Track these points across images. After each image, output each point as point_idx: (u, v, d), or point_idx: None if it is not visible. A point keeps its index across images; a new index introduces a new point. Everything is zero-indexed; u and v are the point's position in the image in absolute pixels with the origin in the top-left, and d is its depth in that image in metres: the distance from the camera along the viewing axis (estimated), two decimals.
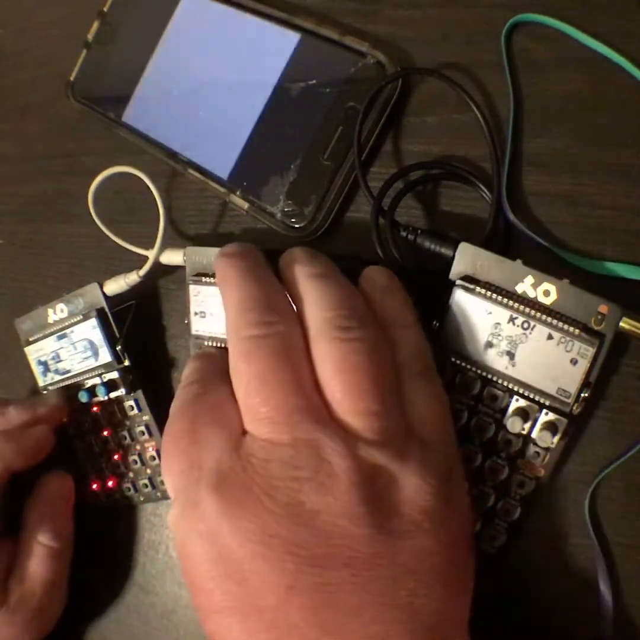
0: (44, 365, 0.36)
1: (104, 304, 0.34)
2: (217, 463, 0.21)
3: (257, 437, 0.21)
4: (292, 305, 0.23)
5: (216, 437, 0.22)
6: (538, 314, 0.25)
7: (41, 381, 0.36)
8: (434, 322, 0.27)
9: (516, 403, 0.26)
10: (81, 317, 0.34)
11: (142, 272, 0.33)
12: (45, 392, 0.36)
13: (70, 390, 0.35)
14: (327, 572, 0.19)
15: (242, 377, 0.22)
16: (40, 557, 0.32)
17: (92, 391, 0.34)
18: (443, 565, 0.20)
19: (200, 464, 0.22)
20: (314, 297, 0.23)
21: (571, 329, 0.24)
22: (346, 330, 0.21)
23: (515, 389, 0.26)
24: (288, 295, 0.24)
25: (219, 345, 0.30)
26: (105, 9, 0.40)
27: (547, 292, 0.25)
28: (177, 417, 0.24)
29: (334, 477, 0.19)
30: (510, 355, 0.25)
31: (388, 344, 0.23)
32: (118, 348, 0.33)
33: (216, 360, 0.26)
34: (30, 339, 0.36)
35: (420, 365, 0.23)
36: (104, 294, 0.34)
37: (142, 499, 0.36)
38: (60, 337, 0.34)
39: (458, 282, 0.26)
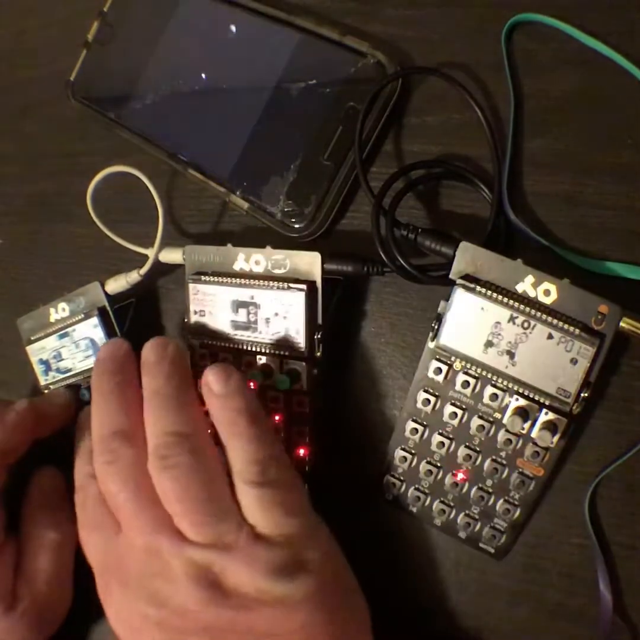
0: (46, 364, 0.36)
1: (105, 302, 0.34)
2: (102, 556, 0.28)
3: (124, 538, 0.27)
4: (135, 426, 0.28)
5: (99, 537, 0.28)
6: (538, 314, 0.25)
7: (42, 380, 0.36)
8: (433, 323, 0.27)
9: (516, 402, 0.26)
10: (83, 316, 0.34)
11: (143, 270, 0.33)
12: (46, 391, 0.36)
13: (71, 389, 0.35)
14: (189, 637, 0.24)
15: (108, 494, 0.27)
16: (41, 550, 0.32)
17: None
18: (307, 621, 0.24)
19: (92, 557, 0.28)
20: (149, 421, 0.27)
21: (571, 328, 0.24)
22: (167, 458, 0.26)
23: (515, 388, 0.26)
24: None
25: (218, 344, 0.30)
26: (105, 9, 0.40)
27: (547, 291, 0.25)
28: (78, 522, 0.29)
29: (175, 572, 0.25)
30: (510, 354, 0.25)
31: (220, 451, 0.27)
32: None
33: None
34: (32, 338, 0.36)
35: (250, 473, 0.25)
36: (105, 292, 0.34)
37: None
38: (62, 336, 0.34)
39: (458, 281, 0.26)
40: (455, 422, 0.27)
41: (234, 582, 0.24)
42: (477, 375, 0.26)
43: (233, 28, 0.35)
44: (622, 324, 0.25)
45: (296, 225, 0.32)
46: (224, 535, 0.25)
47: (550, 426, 0.25)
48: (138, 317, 0.35)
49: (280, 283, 0.29)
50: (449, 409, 0.27)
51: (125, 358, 0.30)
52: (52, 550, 0.32)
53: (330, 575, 0.26)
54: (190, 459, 0.26)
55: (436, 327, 0.27)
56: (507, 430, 0.26)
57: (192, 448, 0.26)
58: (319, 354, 0.29)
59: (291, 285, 0.28)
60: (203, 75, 0.36)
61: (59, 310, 0.35)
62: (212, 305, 0.30)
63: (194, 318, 0.31)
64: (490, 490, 0.27)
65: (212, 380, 0.27)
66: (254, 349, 0.30)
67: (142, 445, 0.27)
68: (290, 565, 0.24)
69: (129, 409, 0.28)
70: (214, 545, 0.25)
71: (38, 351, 0.36)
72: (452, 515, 0.28)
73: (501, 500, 0.27)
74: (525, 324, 0.25)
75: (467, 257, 0.26)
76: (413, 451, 0.28)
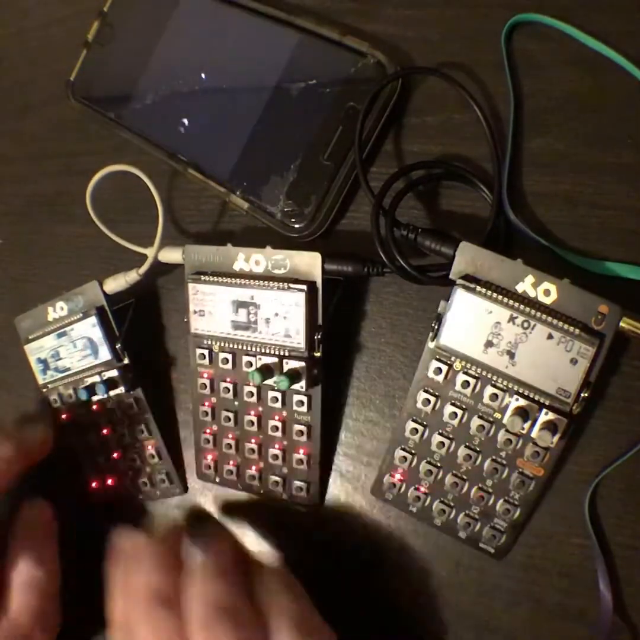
0: (44, 363, 0.35)
1: (103, 302, 0.34)
2: None
3: None
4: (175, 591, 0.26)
5: None
6: (538, 314, 0.25)
7: (41, 379, 0.36)
8: (433, 323, 0.27)
9: (516, 402, 0.26)
10: (81, 315, 0.34)
11: (142, 270, 0.33)
12: (44, 390, 0.36)
13: (69, 388, 0.35)
14: None
15: None
16: (23, 586, 0.31)
17: (91, 389, 0.34)
18: None
19: None
20: (194, 589, 0.26)
21: (571, 328, 0.24)
22: (212, 629, 0.25)
23: (515, 388, 0.26)
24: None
25: (218, 344, 0.30)
26: (105, 9, 0.40)
27: (547, 291, 0.25)
28: None
29: None
30: (510, 354, 0.25)
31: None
32: (118, 346, 0.33)
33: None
34: (30, 337, 0.36)
35: None
36: (103, 292, 0.34)
37: (141, 497, 0.36)
38: (60, 335, 0.34)
39: (458, 281, 0.26)
40: (455, 422, 0.27)
41: None
42: (477, 375, 0.26)
43: (233, 28, 0.35)
44: (622, 324, 0.25)
45: (296, 225, 0.32)
46: None
47: (550, 426, 0.25)
48: (138, 317, 0.35)
49: (281, 283, 0.29)
50: (449, 409, 0.27)
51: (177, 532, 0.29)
52: (35, 588, 0.31)
53: None
54: (236, 635, 0.25)
55: (436, 327, 0.27)
56: (507, 430, 0.26)
57: (237, 623, 0.25)
58: (319, 354, 0.29)
59: (291, 285, 0.28)
60: (203, 75, 0.36)
61: (57, 309, 0.35)
62: (212, 305, 0.30)
63: (193, 318, 0.31)
64: (490, 490, 0.27)
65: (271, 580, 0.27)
66: (254, 349, 0.30)
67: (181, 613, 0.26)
68: None
69: (170, 572, 0.27)
70: None
71: (36, 350, 0.36)
72: (452, 515, 0.28)
73: (501, 500, 0.27)
74: (525, 324, 0.25)
75: (467, 257, 0.26)
76: (413, 451, 0.28)
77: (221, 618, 0.25)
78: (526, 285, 0.25)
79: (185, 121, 0.36)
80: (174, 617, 0.26)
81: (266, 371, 0.29)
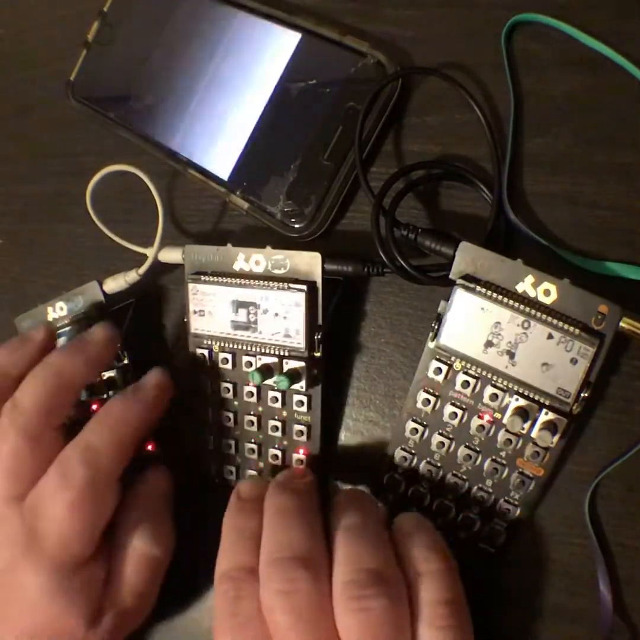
0: None
1: (103, 302, 0.34)
2: None
3: None
4: (324, 558, 0.25)
5: None
6: (538, 314, 0.25)
7: None
8: (433, 323, 0.27)
9: (516, 402, 0.26)
10: (81, 314, 0.34)
11: (142, 270, 0.33)
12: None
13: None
14: None
15: (273, 622, 0.24)
16: (136, 565, 0.29)
17: (91, 389, 0.34)
18: None
19: None
20: (342, 554, 0.25)
21: (571, 328, 0.24)
22: (361, 599, 0.23)
23: (515, 388, 0.26)
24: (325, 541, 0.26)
25: (217, 344, 0.30)
26: (105, 9, 0.40)
27: (547, 291, 0.25)
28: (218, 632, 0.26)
29: None
30: (510, 354, 0.25)
31: (408, 590, 0.24)
32: (118, 345, 0.33)
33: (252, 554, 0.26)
34: None
35: (437, 617, 0.24)
36: (103, 292, 0.34)
37: None
38: (60, 335, 0.34)
39: (458, 281, 0.26)
40: (455, 422, 0.27)
41: None
42: (477, 375, 0.26)
43: (233, 28, 0.35)
44: (622, 324, 0.25)
45: (296, 225, 0.32)
46: None
47: (550, 426, 0.25)
48: (137, 317, 0.35)
49: (281, 283, 0.29)
50: (449, 409, 0.27)
51: (311, 484, 0.28)
52: (148, 567, 0.29)
53: None
54: (386, 602, 0.23)
55: (436, 327, 0.27)
56: (507, 430, 0.26)
57: (389, 591, 0.24)
58: (319, 354, 0.29)
59: (291, 285, 0.28)
60: (203, 75, 0.36)
61: (57, 309, 0.35)
62: (212, 305, 0.30)
63: (193, 318, 0.31)
64: (490, 490, 0.27)
65: (405, 521, 0.26)
66: (253, 349, 0.30)
67: (323, 577, 0.24)
68: None
69: (313, 532, 0.26)
70: None
71: None
72: (452, 515, 0.28)
73: (501, 500, 0.27)
74: (525, 324, 0.25)
75: (467, 257, 0.26)
76: (413, 451, 0.28)
77: (372, 581, 0.24)
78: (526, 285, 0.25)
79: (185, 121, 0.36)
80: (313, 580, 0.24)
81: (266, 371, 0.29)
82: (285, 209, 0.32)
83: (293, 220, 0.32)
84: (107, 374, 0.34)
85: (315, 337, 0.29)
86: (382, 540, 0.25)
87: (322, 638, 0.23)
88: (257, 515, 0.27)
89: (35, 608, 0.27)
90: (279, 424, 0.30)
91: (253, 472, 0.32)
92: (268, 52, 0.34)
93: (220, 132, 0.35)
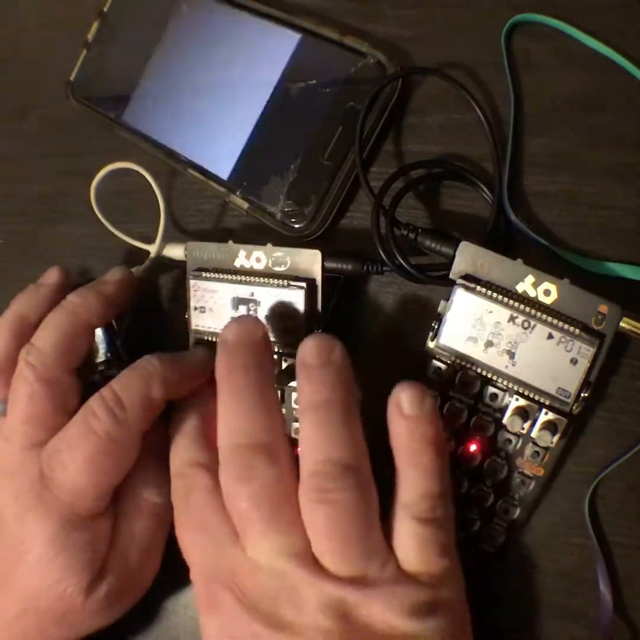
0: None
1: None
2: (211, 564, 0.24)
3: (243, 552, 0.24)
4: (284, 442, 0.24)
5: (208, 542, 0.25)
6: (538, 314, 0.25)
7: None
8: (433, 323, 0.27)
9: (516, 402, 0.26)
10: None
11: (143, 267, 0.33)
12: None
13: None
14: None
15: (234, 508, 0.24)
16: (140, 515, 0.28)
17: (92, 385, 0.34)
18: None
19: (195, 560, 0.25)
20: (307, 440, 0.24)
21: (571, 328, 0.24)
22: (327, 491, 0.22)
23: (515, 388, 0.26)
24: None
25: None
26: (105, 9, 0.40)
27: (547, 291, 0.25)
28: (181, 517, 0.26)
29: (304, 599, 0.22)
30: (511, 354, 0.25)
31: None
32: (118, 344, 0.33)
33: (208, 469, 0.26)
34: None
35: (420, 509, 0.23)
36: None
37: None
38: None
39: (458, 281, 0.26)
40: (455, 421, 0.27)
41: (366, 616, 0.22)
42: (477, 375, 0.26)
43: (233, 28, 0.35)
44: (622, 324, 0.25)
45: (296, 225, 0.32)
46: (367, 571, 0.23)
47: (550, 426, 0.25)
48: (138, 316, 0.35)
49: (281, 280, 0.29)
50: (449, 408, 0.27)
51: (264, 346, 0.25)
52: (152, 516, 0.28)
53: (460, 616, 0.24)
54: (353, 496, 0.22)
55: (436, 327, 0.27)
56: (507, 430, 0.26)
57: (357, 484, 0.23)
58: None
59: (291, 282, 0.28)
60: (203, 75, 0.36)
61: None
62: (213, 302, 0.30)
63: (194, 315, 0.31)
64: (490, 490, 0.27)
65: (405, 399, 0.24)
66: None
67: (284, 463, 0.23)
68: (427, 604, 0.22)
69: (271, 416, 0.24)
70: (354, 579, 0.22)
71: None
72: None
73: (501, 500, 0.27)
74: (525, 324, 0.25)
75: (467, 257, 0.26)
76: None
77: (339, 473, 0.22)
78: (526, 285, 0.25)
79: (186, 121, 0.36)
80: (271, 466, 0.23)
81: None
82: (285, 209, 0.32)
83: (293, 220, 0.32)
84: (107, 373, 0.34)
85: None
86: (353, 425, 0.24)
87: (284, 526, 0.23)
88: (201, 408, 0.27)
89: (37, 568, 0.26)
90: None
91: None
92: (268, 52, 0.34)
93: (220, 132, 0.35)
